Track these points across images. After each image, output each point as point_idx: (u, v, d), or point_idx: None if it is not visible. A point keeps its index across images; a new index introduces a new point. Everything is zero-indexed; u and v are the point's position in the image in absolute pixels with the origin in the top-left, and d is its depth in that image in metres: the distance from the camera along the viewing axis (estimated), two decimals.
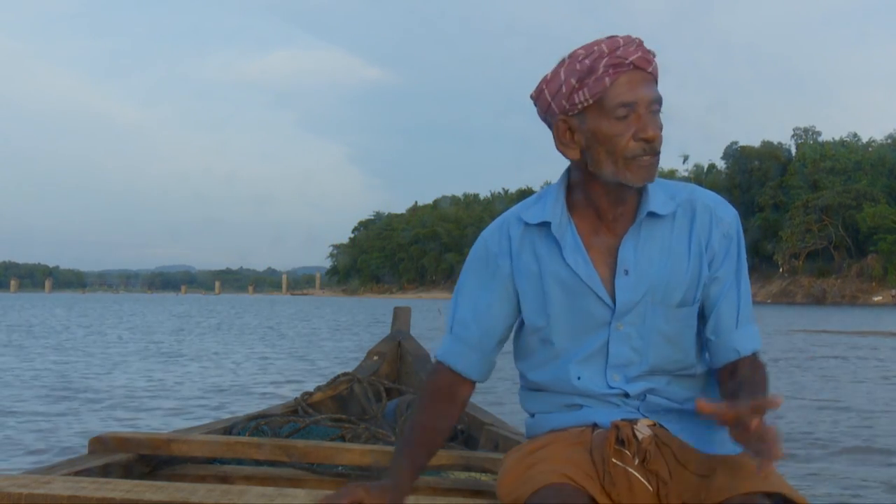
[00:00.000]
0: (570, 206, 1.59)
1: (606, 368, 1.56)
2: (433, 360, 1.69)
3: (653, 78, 1.50)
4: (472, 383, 1.67)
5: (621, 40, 1.49)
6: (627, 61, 1.46)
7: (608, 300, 1.54)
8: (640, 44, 1.50)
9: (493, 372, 1.68)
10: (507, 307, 1.63)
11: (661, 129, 1.50)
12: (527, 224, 1.60)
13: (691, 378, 1.58)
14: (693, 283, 1.55)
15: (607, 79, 1.46)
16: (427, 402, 1.67)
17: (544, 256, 1.58)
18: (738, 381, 1.49)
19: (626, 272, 1.54)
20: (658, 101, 1.49)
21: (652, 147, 1.48)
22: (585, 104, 1.48)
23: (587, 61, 1.47)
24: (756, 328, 1.58)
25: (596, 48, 1.48)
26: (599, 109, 1.48)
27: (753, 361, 1.54)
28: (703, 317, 1.58)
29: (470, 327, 1.64)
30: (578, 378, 1.57)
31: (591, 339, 1.56)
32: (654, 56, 1.51)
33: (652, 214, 1.55)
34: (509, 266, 1.61)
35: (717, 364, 1.57)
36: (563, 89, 1.50)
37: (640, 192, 1.55)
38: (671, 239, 1.56)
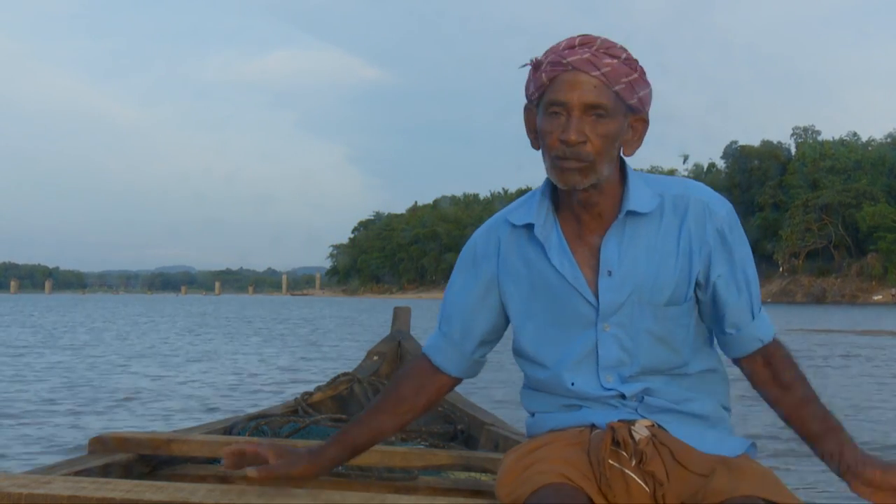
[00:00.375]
0: (558, 206, 1.58)
1: (598, 370, 1.55)
2: None
3: (602, 83, 1.45)
4: (451, 378, 1.68)
5: (578, 40, 1.48)
6: (565, 61, 1.46)
7: (593, 301, 1.53)
8: (600, 48, 1.46)
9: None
10: (489, 310, 1.64)
11: (601, 136, 1.45)
12: (513, 226, 1.60)
13: (688, 377, 1.57)
14: (683, 282, 1.53)
15: (544, 75, 1.49)
16: (391, 388, 1.69)
17: (531, 258, 1.58)
18: (791, 392, 1.52)
19: (610, 273, 1.52)
20: (599, 107, 1.45)
21: (573, 151, 1.45)
22: (534, 97, 1.53)
23: (543, 56, 1.51)
24: (766, 314, 1.58)
25: (557, 45, 1.50)
26: (542, 104, 1.50)
27: (783, 353, 1.55)
28: (715, 313, 1.56)
29: (453, 325, 1.66)
30: (572, 384, 1.56)
31: (580, 341, 1.55)
32: (618, 60, 1.46)
33: (632, 213, 1.53)
34: (495, 269, 1.61)
35: (738, 355, 1.57)
36: (527, 80, 1.55)
37: (622, 190, 1.54)
38: (657, 237, 1.53)
